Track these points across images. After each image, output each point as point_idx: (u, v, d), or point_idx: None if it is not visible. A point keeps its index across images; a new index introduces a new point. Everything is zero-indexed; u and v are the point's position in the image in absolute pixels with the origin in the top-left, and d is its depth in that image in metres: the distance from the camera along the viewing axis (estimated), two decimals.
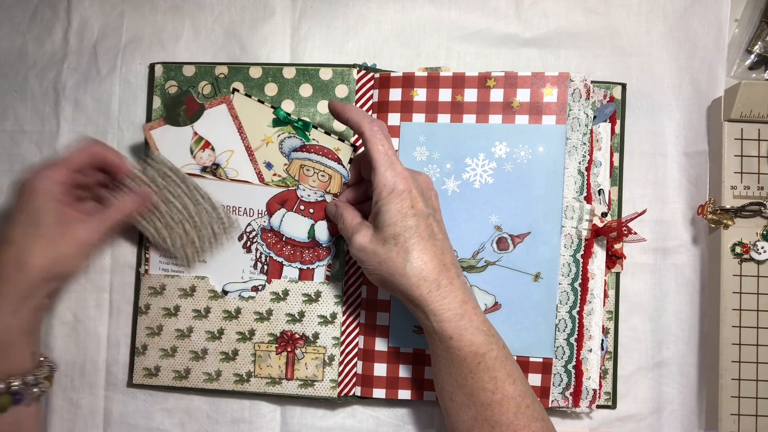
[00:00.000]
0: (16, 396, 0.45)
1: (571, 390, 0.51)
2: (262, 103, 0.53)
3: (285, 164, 0.53)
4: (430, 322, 0.42)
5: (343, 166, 0.52)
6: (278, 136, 0.53)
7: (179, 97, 0.54)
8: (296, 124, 0.52)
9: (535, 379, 0.51)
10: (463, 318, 0.42)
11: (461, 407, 0.43)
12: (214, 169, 0.53)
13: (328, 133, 0.53)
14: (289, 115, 0.53)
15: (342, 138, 0.53)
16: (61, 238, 0.47)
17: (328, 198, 0.52)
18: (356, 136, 0.53)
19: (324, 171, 0.52)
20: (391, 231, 0.43)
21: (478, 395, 0.42)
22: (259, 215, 0.53)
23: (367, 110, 0.54)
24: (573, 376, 0.51)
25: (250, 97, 0.53)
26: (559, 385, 0.51)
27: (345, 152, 0.53)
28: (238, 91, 0.54)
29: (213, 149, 0.53)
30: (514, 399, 0.42)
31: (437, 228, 0.44)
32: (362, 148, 0.51)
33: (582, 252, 0.51)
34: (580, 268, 0.51)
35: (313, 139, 0.53)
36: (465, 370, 0.42)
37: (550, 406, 0.51)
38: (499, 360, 0.42)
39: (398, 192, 0.43)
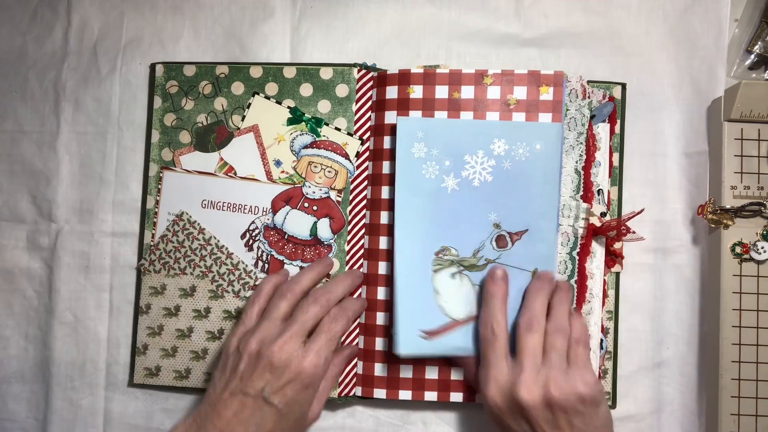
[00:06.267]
0: None
1: None
2: (280, 103, 0.54)
3: (294, 161, 0.53)
4: None
5: (350, 161, 0.52)
6: (290, 134, 0.54)
7: (212, 126, 0.55)
8: (309, 122, 0.53)
9: None
10: None
11: None
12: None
13: (338, 129, 0.54)
14: (303, 113, 0.53)
15: (350, 133, 0.54)
16: (317, 402, 0.49)
17: (333, 194, 0.53)
18: (363, 130, 0.54)
19: (331, 167, 0.53)
20: None
21: None
22: (264, 213, 0.54)
23: (367, 110, 0.54)
24: None
25: (269, 98, 0.54)
26: None
27: (353, 146, 0.53)
28: (258, 93, 0.54)
29: (235, 173, 0.54)
30: None
31: None
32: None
33: (578, 249, 0.51)
34: (576, 265, 0.51)
35: (324, 135, 0.53)
36: None
37: None
38: None
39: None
